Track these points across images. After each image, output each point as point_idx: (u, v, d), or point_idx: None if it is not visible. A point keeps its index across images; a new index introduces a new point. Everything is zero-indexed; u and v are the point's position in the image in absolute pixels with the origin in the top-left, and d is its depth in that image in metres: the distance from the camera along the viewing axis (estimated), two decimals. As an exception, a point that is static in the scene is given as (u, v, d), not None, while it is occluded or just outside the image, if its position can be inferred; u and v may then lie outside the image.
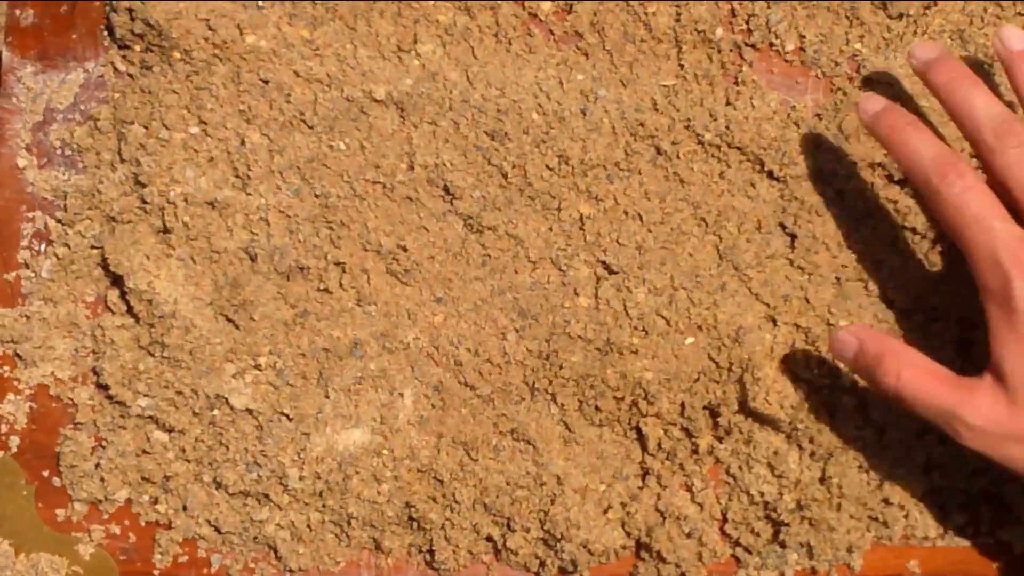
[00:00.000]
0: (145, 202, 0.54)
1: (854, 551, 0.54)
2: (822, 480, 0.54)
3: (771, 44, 0.56)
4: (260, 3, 0.54)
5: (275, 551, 0.56)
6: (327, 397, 0.54)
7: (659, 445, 0.55)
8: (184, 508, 0.55)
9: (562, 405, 0.54)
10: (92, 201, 0.56)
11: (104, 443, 0.56)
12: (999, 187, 0.51)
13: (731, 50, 0.55)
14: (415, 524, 0.54)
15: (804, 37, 0.56)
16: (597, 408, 0.54)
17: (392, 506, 0.54)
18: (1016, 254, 0.48)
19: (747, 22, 0.56)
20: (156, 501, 0.55)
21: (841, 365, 0.53)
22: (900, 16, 0.55)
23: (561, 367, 0.54)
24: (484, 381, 0.54)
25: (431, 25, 0.55)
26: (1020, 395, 0.48)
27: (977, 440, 0.49)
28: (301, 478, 0.54)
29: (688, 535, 0.54)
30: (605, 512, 0.54)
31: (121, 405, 0.55)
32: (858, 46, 0.56)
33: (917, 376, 0.50)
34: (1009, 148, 0.50)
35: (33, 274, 0.56)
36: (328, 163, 0.54)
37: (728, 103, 0.55)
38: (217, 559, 0.56)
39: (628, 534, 0.54)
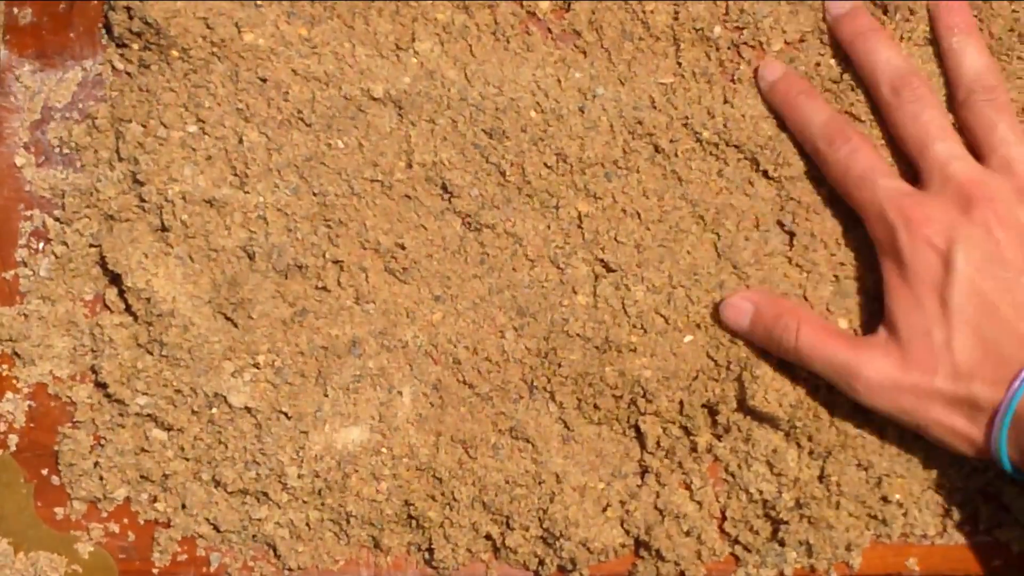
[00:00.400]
0: (143, 200, 0.54)
1: (853, 549, 0.54)
2: (821, 478, 0.54)
3: (760, 43, 0.56)
4: (259, 1, 0.54)
5: (274, 549, 0.56)
6: (326, 395, 0.54)
7: (658, 443, 0.55)
8: (183, 506, 0.55)
9: (561, 403, 0.54)
10: (90, 199, 0.56)
11: (103, 441, 0.56)
12: (897, 141, 0.52)
13: (729, 48, 0.55)
14: (414, 523, 0.54)
15: (785, 32, 0.56)
16: (596, 406, 0.54)
17: (391, 504, 0.54)
18: (899, 206, 0.49)
19: (738, 19, 0.56)
20: (155, 499, 0.55)
21: None
22: (884, 11, 0.55)
23: (560, 365, 0.54)
24: (483, 379, 0.54)
25: (429, 23, 0.55)
26: (911, 347, 0.49)
27: (873, 395, 0.49)
28: (300, 476, 0.54)
29: (687, 533, 0.54)
30: (604, 510, 0.54)
31: (120, 403, 0.55)
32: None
33: (815, 332, 0.50)
34: (905, 103, 0.52)
35: (31, 272, 0.56)
36: (326, 161, 0.54)
37: (726, 101, 0.55)
38: (216, 557, 0.56)
39: (627, 532, 0.54)
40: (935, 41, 0.54)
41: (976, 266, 0.48)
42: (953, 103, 0.53)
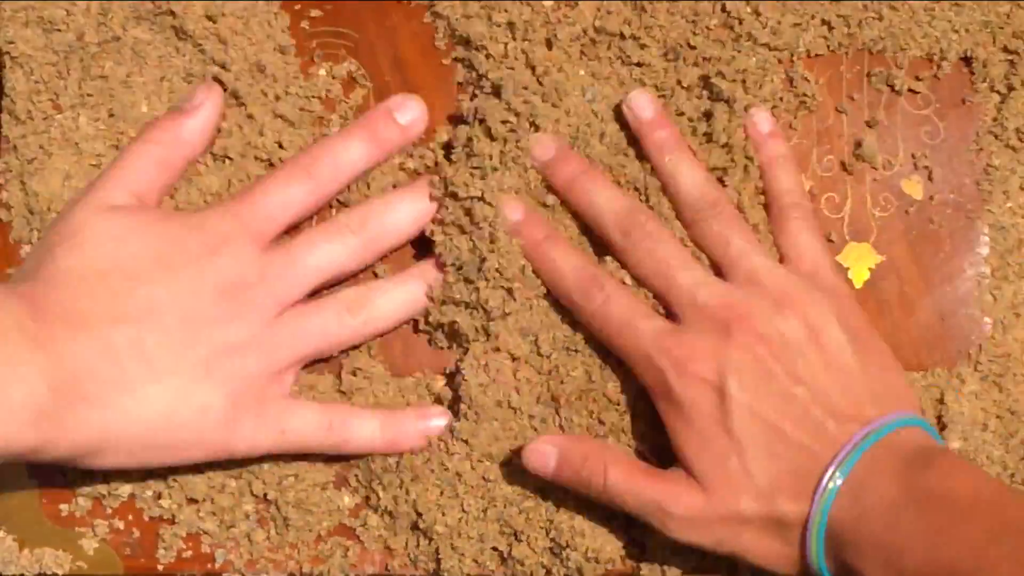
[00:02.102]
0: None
1: None
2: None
3: None
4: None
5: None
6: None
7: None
8: (188, 503, 0.55)
9: (566, 418, 0.54)
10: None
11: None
12: (641, 282, 0.51)
13: None
14: (423, 534, 0.54)
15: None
16: (600, 421, 0.54)
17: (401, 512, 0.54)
18: (665, 348, 0.49)
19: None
20: (159, 496, 0.55)
21: None
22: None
23: (563, 382, 0.53)
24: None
25: None
26: (709, 482, 0.48)
27: (685, 529, 0.49)
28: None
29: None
30: (609, 519, 0.54)
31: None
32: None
33: (623, 472, 0.50)
34: (637, 243, 0.51)
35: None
36: None
37: None
38: (221, 554, 0.56)
39: (632, 540, 0.54)
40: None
41: (750, 390, 0.48)
42: (684, 224, 0.52)
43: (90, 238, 0.50)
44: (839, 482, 0.46)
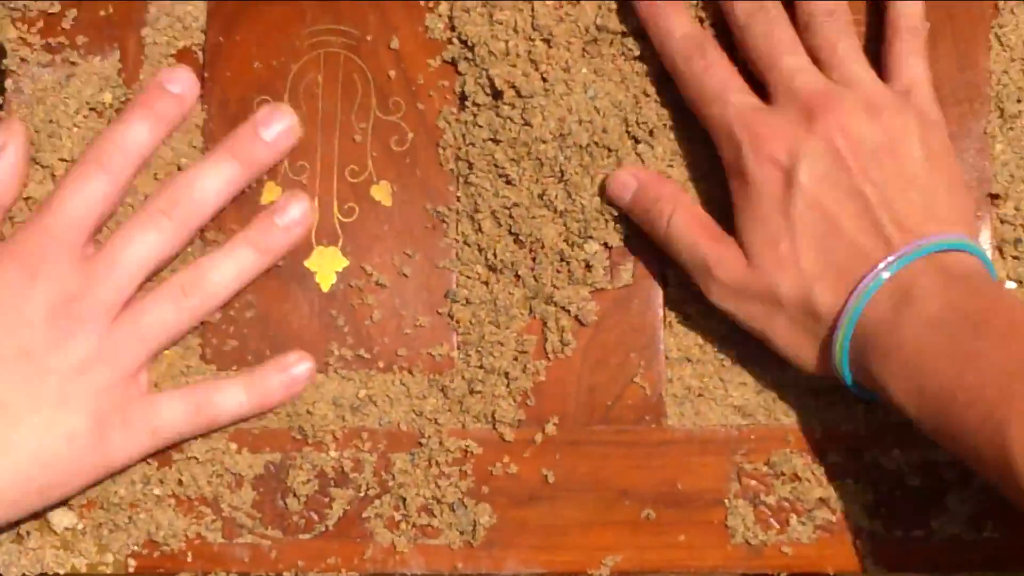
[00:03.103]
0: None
1: None
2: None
3: None
4: None
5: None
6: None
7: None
8: (179, 483, 0.55)
9: None
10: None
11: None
12: (748, 62, 0.52)
13: None
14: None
15: None
16: None
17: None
18: (748, 124, 0.50)
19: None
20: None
21: None
22: None
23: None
24: None
25: None
26: (755, 258, 0.49)
27: (723, 297, 0.50)
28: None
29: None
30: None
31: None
32: None
33: (686, 221, 0.51)
34: (756, 23, 0.52)
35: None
36: None
37: None
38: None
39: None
40: None
41: (817, 179, 0.48)
42: (798, 29, 0.53)
43: None
44: (880, 284, 0.47)
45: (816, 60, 0.52)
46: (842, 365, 0.48)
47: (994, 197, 0.54)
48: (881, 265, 0.47)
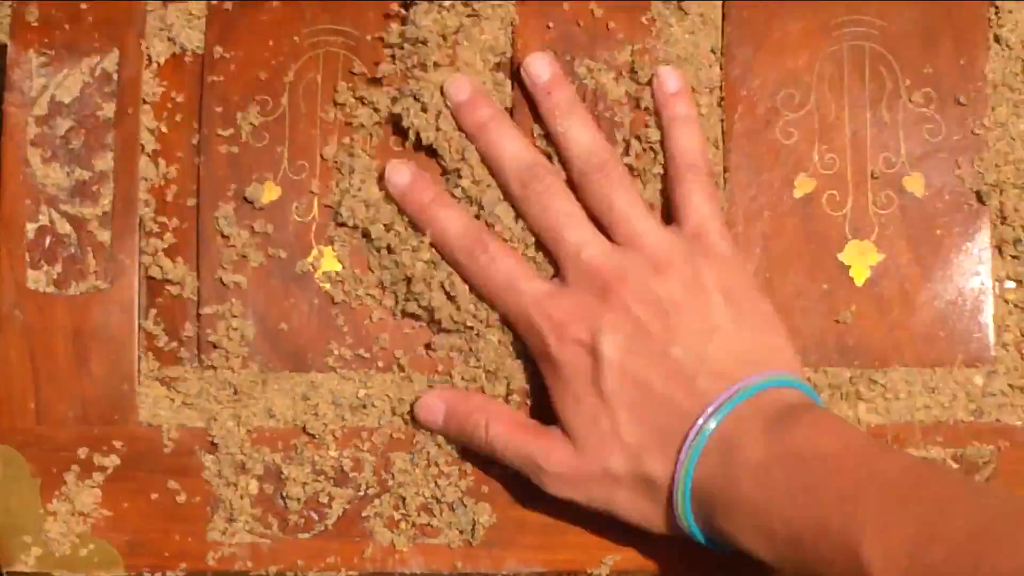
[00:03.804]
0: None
1: None
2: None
3: None
4: None
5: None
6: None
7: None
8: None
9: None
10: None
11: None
12: (535, 235, 0.52)
13: None
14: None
15: None
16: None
17: None
18: (544, 310, 0.50)
19: None
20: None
21: None
22: None
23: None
24: None
25: None
26: (580, 441, 0.49)
27: (559, 486, 0.50)
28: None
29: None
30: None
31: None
32: None
33: (504, 427, 0.51)
34: (532, 196, 0.51)
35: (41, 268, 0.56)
36: None
37: None
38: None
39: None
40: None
41: (622, 351, 0.49)
42: (573, 189, 0.52)
43: None
44: (703, 440, 0.47)
45: (595, 217, 0.52)
46: (691, 527, 0.48)
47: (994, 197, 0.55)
48: (701, 421, 0.47)
